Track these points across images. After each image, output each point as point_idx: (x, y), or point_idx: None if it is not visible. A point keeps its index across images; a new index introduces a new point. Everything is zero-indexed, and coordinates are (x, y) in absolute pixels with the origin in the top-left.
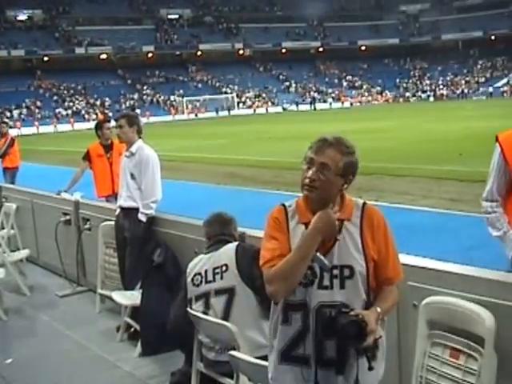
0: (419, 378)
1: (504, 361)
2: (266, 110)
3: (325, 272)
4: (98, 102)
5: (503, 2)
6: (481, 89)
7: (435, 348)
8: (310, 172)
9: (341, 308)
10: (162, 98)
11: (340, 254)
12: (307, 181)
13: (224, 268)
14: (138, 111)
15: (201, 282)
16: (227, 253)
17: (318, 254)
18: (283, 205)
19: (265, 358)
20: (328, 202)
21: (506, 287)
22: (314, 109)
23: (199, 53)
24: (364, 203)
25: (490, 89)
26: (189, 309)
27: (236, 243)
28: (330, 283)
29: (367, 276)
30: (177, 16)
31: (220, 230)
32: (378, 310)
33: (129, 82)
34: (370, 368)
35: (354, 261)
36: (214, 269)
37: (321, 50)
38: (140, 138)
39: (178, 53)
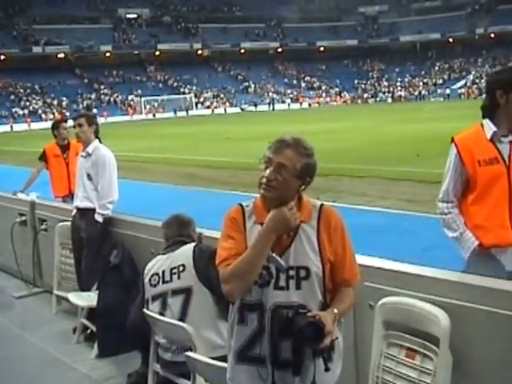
0: (375, 378)
1: (459, 361)
2: (225, 110)
3: (281, 273)
4: (55, 102)
5: (461, 4)
6: (438, 90)
7: (391, 348)
8: (268, 171)
9: (298, 309)
10: (120, 97)
11: (296, 254)
12: (264, 180)
13: (181, 268)
14: (95, 111)
15: (158, 282)
16: (184, 253)
17: (274, 254)
18: (240, 205)
19: (221, 358)
20: (285, 202)
21: (461, 288)
22: (273, 109)
23: (157, 53)
24: (321, 205)
25: (448, 90)
26: (145, 309)
27: (193, 244)
28: (286, 284)
29: (323, 277)
30: (135, 15)
31: (178, 231)
32: (335, 311)
33: (86, 81)
34: (327, 369)
35: (310, 262)
36: (172, 269)
37: (279, 50)
38: (97, 138)
39: (136, 52)
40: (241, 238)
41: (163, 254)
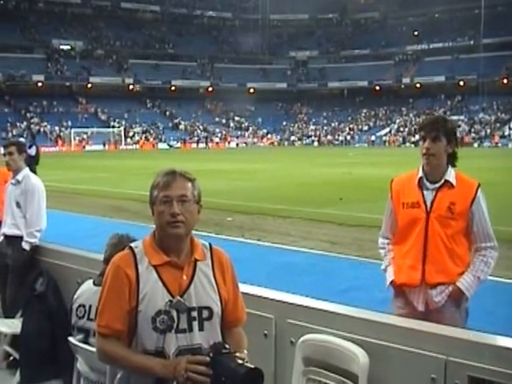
0: None
1: None
2: (153, 145)
3: (181, 314)
4: None
5: (389, 54)
6: (363, 137)
7: None
8: (174, 207)
9: (219, 348)
10: (50, 128)
11: (198, 295)
12: (171, 218)
13: None
14: (22, 140)
15: (83, 315)
16: None
17: (179, 298)
18: (130, 248)
19: None
20: (188, 236)
21: (378, 327)
22: (206, 147)
23: (89, 85)
24: (210, 244)
25: (373, 137)
26: (70, 337)
27: None
28: (188, 326)
29: (222, 317)
30: (69, 47)
31: (115, 253)
32: (245, 352)
33: (17, 110)
34: None
35: (211, 302)
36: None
37: (210, 89)
38: (28, 166)
39: (67, 84)
40: (124, 291)
41: (95, 284)
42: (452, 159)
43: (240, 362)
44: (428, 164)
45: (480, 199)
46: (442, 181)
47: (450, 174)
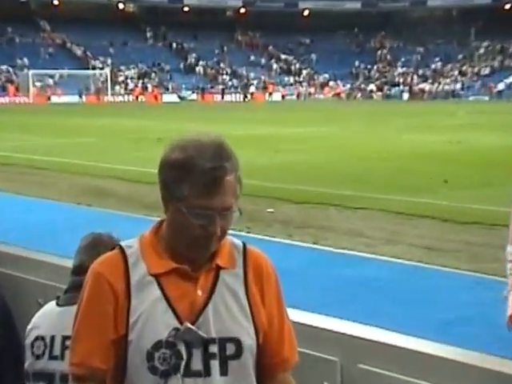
0: None
1: None
2: (156, 97)
3: (193, 348)
4: None
5: None
6: (482, 84)
7: None
8: (216, 225)
9: None
10: None
11: (219, 320)
12: (205, 234)
13: None
14: None
15: (43, 353)
16: None
17: (188, 324)
18: (121, 248)
19: None
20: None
21: (502, 379)
22: (244, 99)
23: (56, 2)
24: (244, 244)
25: (501, 85)
26: None
27: None
28: (204, 367)
29: (258, 355)
30: None
31: (89, 260)
32: None
33: None
34: None
35: (240, 331)
36: (65, 338)
37: (242, 11)
38: None
39: (22, 0)
40: (107, 312)
41: (59, 304)
42: None
43: None
44: None
45: None
46: None
47: None
